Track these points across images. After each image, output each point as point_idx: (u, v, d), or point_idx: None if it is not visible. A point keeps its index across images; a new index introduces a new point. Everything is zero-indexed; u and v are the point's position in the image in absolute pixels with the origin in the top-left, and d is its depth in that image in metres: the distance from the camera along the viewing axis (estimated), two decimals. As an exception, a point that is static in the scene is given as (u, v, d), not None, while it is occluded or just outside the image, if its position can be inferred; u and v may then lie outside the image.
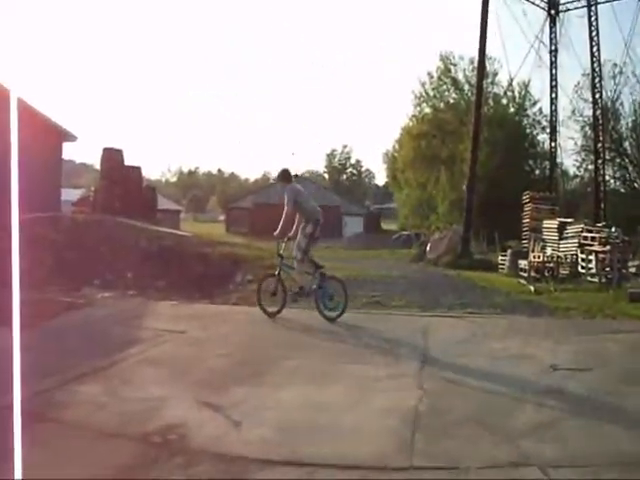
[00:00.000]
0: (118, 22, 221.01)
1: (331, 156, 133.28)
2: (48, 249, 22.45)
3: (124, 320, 13.76)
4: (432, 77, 66.20)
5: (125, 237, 23.35)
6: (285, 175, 14.00)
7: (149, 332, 12.64)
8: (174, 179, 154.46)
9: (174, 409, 7.94)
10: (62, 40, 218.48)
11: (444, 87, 66.25)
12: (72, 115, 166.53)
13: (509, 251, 30.22)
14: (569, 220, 28.86)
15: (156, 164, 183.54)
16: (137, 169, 34.54)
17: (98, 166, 36.15)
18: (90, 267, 21.03)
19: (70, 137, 29.51)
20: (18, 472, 3.79)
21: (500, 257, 31.49)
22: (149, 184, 48.80)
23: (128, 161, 34.12)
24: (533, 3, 48.41)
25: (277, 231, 13.73)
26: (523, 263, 25.93)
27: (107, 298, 16.62)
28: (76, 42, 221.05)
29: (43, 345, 11.07)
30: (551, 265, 25.02)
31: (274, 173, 31.44)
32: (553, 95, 51.98)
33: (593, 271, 23.15)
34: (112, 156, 33.14)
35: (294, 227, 13.74)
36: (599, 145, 49.23)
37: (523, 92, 60.28)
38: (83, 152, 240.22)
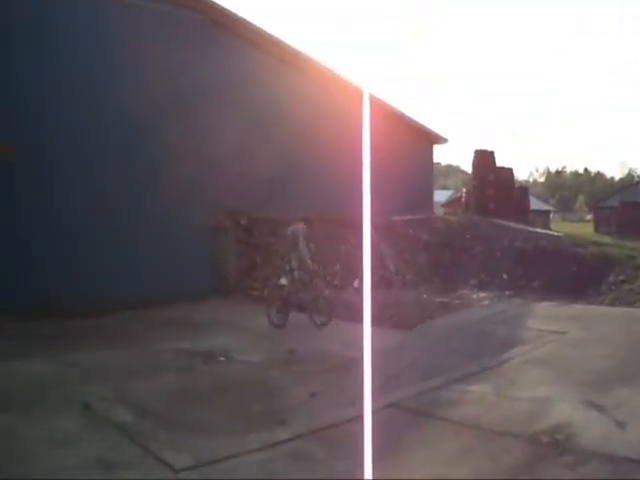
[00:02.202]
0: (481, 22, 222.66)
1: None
2: (423, 250, 23.14)
3: (505, 321, 13.69)
4: None
5: (499, 238, 23.30)
6: None
7: (531, 332, 12.49)
8: (542, 179, 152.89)
9: (560, 409, 7.79)
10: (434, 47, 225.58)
11: None
12: (441, 117, 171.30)
13: None
14: None
15: (524, 164, 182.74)
16: (509, 170, 34.38)
17: (465, 167, 36.72)
18: (465, 268, 21.31)
19: (440, 140, 30.10)
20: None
21: None
22: (520, 185, 48.33)
23: (498, 162, 34.18)
24: None
25: None
26: None
27: (484, 299, 16.59)
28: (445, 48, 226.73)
29: (428, 345, 11.40)
30: None
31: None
32: None
33: None
34: (484, 158, 33.37)
35: None
36: None
37: None
38: (449, 154, 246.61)
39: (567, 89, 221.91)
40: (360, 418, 7.04)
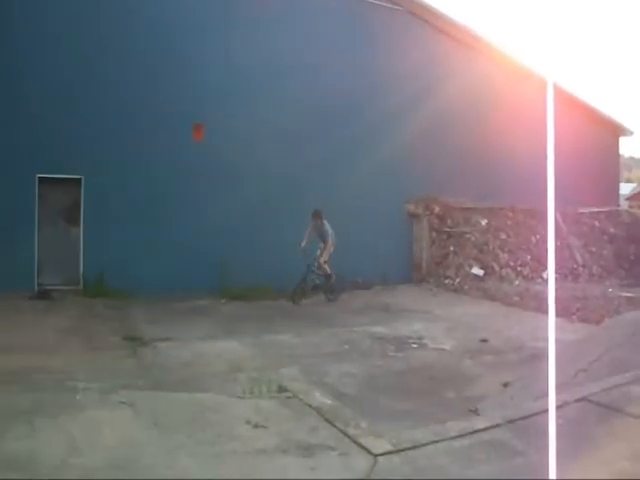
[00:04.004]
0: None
1: None
2: (609, 243, 22.09)
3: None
4: None
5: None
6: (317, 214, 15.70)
7: None
8: None
9: None
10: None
11: None
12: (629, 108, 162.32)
13: None
14: None
15: None
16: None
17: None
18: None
19: (626, 132, 28.66)
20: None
21: None
22: None
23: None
24: None
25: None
26: None
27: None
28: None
29: (615, 340, 10.82)
30: None
31: None
32: None
33: None
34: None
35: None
36: None
37: None
38: (632, 145, 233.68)
39: None
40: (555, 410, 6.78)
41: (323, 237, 15.70)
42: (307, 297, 15.53)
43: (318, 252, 15.69)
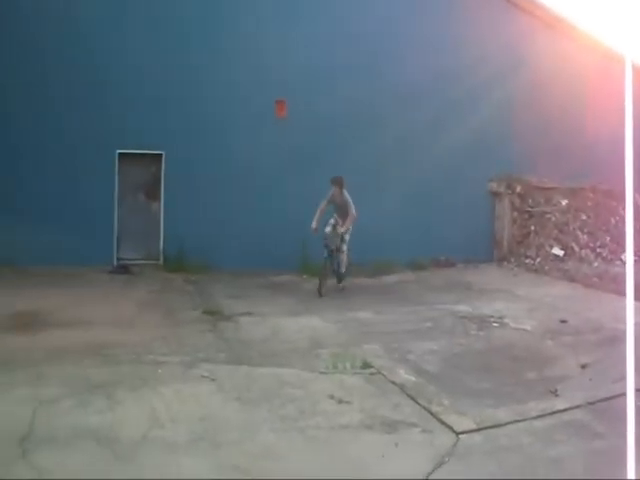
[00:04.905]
0: None
1: None
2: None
3: None
4: None
5: None
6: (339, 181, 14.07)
7: None
8: None
9: None
10: None
11: None
12: None
13: None
14: None
15: None
16: None
17: None
18: None
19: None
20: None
21: None
22: None
23: None
24: None
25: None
26: None
27: None
28: None
29: None
30: None
31: None
32: None
33: None
34: None
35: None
36: None
37: None
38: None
39: None
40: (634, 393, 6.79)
41: (342, 209, 14.12)
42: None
43: (329, 228, 14.02)
